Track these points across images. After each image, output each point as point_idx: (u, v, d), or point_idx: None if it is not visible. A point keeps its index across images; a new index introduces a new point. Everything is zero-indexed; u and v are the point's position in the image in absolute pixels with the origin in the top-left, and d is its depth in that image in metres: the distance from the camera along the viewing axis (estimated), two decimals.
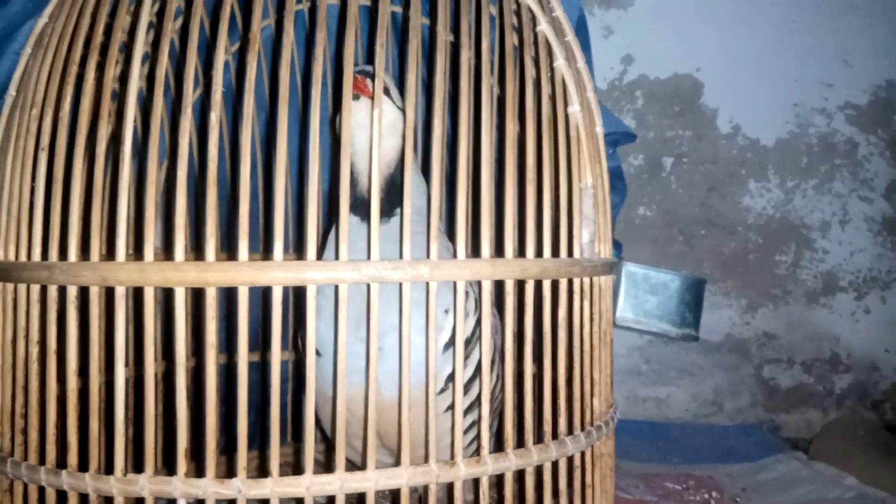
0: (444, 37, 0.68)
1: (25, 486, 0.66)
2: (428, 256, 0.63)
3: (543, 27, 0.79)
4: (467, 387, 0.78)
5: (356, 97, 0.81)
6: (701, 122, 1.70)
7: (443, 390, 0.78)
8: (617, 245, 1.27)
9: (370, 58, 1.09)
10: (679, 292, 0.98)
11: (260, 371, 1.13)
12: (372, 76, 0.84)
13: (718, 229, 1.71)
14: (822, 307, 1.72)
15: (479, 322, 0.83)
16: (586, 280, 0.76)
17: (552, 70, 0.79)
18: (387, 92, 0.86)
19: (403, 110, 0.87)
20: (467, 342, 0.79)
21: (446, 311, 0.79)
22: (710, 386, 1.72)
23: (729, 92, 1.68)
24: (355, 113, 0.81)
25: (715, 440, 1.61)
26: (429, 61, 1.11)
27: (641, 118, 1.69)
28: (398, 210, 0.81)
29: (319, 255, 0.84)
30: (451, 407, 0.65)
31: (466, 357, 0.79)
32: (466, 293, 0.83)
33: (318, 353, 0.80)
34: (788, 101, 1.69)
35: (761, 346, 1.72)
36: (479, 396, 0.66)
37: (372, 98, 0.68)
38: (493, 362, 0.85)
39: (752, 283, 1.71)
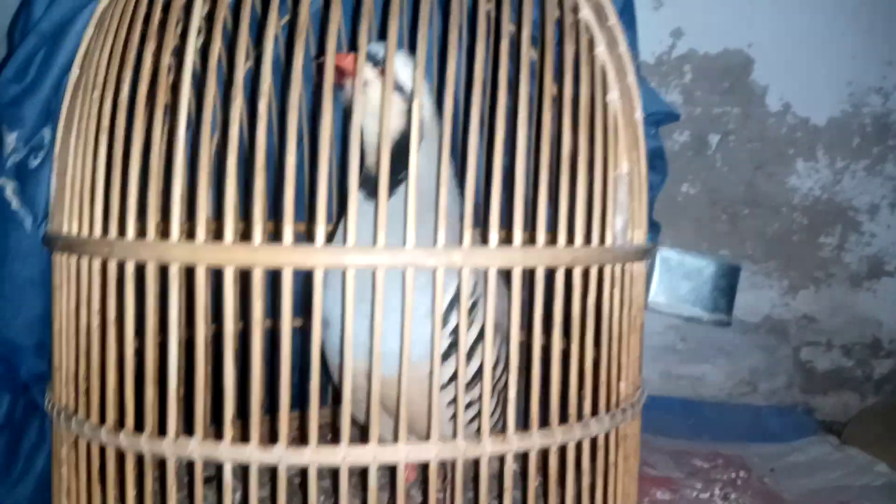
0: (483, 28, 0.70)
1: (89, 443, 0.72)
2: (461, 243, 0.66)
3: (585, 13, 0.79)
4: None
5: (339, 87, 0.83)
6: (750, 100, 1.66)
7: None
8: (655, 226, 1.27)
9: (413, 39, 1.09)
10: (713, 278, 0.99)
11: (300, 334, 1.18)
12: (378, 60, 0.84)
13: (763, 209, 1.69)
14: (866, 291, 1.69)
15: (474, 305, 0.83)
16: (618, 267, 0.78)
17: (592, 57, 0.79)
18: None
19: (403, 88, 0.84)
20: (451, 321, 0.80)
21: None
22: (746, 366, 1.72)
23: (781, 69, 1.64)
24: (342, 94, 0.84)
25: (748, 420, 1.61)
26: (470, 46, 1.11)
27: (689, 94, 1.66)
28: (399, 188, 0.83)
29: (332, 234, 0.87)
30: (449, 383, 0.67)
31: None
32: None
33: (325, 324, 0.84)
34: (843, 79, 1.64)
35: (801, 328, 1.71)
36: (478, 375, 0.68)
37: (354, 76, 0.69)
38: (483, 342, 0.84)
39: (795, 264, 1.69)
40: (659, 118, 1.20)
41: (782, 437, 1.52)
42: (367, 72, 0.82)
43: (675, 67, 1.65)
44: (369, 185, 0.83)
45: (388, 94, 0.65)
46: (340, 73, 0.82)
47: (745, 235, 1.69)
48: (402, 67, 0.83)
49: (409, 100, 0.83)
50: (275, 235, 1.14)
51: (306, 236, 1.20)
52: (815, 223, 1.68)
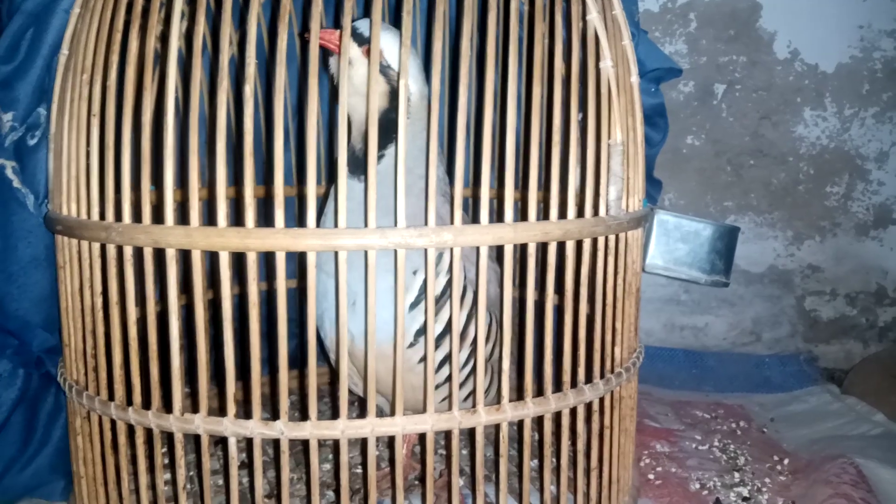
0: (470, 2, 0.68)
1: (100, 416, 0.75)
2: (452, 223, 0.66)
3: None
4: (438, 342, 0.80)
5: (331, 53, 0.83)
6: (757, 47, 1.62)
7: (412, 345, 0.82)
8: (657, 183, 1.27)
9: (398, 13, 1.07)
10: (710, 240, 0.99)
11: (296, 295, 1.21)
12: (364, 38, 0.82)
13: (769, 159, 1.67)
14: (872, 240, 1.68)
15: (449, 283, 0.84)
16: (611, 237, 0.78)
17: (584, 24, 0.78)
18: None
19: (389, 66, 0.83)
20: (437, 300, 0.80)
21: (415, 273, 0.80)
22: (749, 316, 1.73)
23: (789, 14, 1.59)
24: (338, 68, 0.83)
25: (750, 369, 1.63)
26: (456, 22, 1.09)
27: (694, 43, 1.63)
28: (383, 155, 0.83)
29: (320, 215, 0.88)
30: (424, 359, 0.69)
31: (437, 314, 0.80)
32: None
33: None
34: (853, 23, 1.60)
35: (805, 277, 1.71)
36: (473, 350, 0.70)
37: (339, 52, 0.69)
38: (470, 316, 0.85)
39: (800, 214, 1.68)
40: (660, 74, 1.18)
41: (784, 387, 1.54)
42: (353, 50, 0.81)
43: (680, 16, 1.61)
44: (354, 161, 0.83)
45: (373, 74, 0.64)
46: (326, 48, 0.81)
47: (750, 186, 1.68)
48: (388, 45, 0.82)
49: (395, 79, 0.82)
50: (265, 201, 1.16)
51: (296, 200, 1.23)
52: (822, 172, 1.66)
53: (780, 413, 1.41)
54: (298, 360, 1.25)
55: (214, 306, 1.03)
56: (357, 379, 0.88)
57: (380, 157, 0.82)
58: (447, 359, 0.77)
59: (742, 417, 1.38)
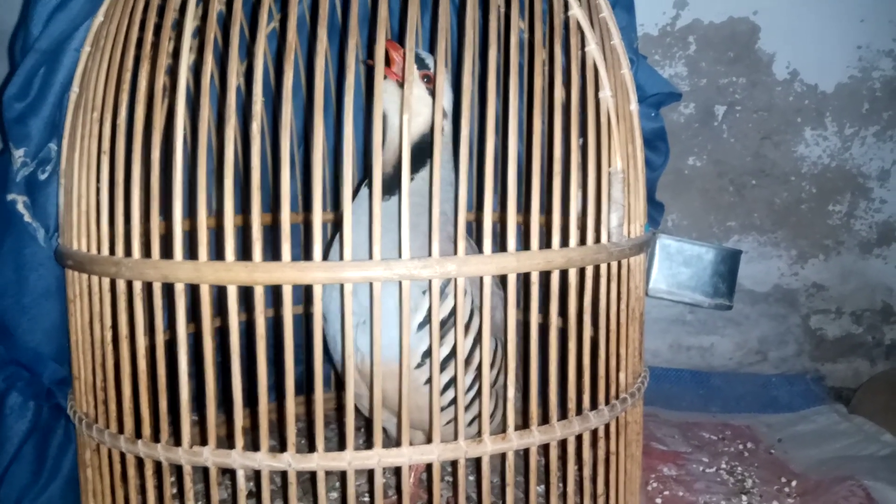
0: (471, 35, 0.70)
1: (110, 449, 0.76)
2: (455, 253, 0.67)
3: (575, 11, 0.79)
4: (444, 365, 0.81)
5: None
6: (757, 68, 1.64)
7: (419, 365, 0.83)
8: (659, 206, 1.27)
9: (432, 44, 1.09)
10: (713, 264, 1.00)
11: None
12: (423, 62, 0.86)
13: (771, 179, 1.68)
14: (876, 258, 1.69)
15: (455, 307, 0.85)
16: (613, 264, 0.79)
17: (583, 53, 0.79)
18: (428, 79, 0.88)
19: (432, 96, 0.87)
20: (443, 323, 0.81)
21: (423, 292, 0.82)
22: (755, 335, 1.73)
23: (788, 35, 1.61)
24: (384, 90, 0.86)
25: (757, 389, 1.63)
26: (457, 57, 1.11)
27: (694, 65, 1.64)
28: (397, 191, 0.85)
29: (331, 240, 0.90)
30: (430, 381, 0.70)
31: (443, 337, 0.81)
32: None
33: (325, 319, 0.87)
34: (852, 44, 1.61)
35: (810, 296, 1.71)
36: (478, 375, 0.71)
37: (401, 81, 0.71)
38: (475, 341, 0.86)
39: (804, 233, 1.69)
40: (660, 99, 1.19)
41: (791, 407, 1.54)
42: (414, 69, 0.84)
43: (680, 39, 1.63)
44: (386, 182, 0.85)
45: (438, 103, 0.67)
46: (389, 59, 0.84)
47: (753, 206, 1.69)
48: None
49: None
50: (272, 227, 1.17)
51: (302, 227, 1.24)
52: (824, 191, 1.67)
53: (788, 433, 1.41)
54: (304, 386, 1.26)
55: (221, 332, 1.04)
56: (367, 399, 0.89)
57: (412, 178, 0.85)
58: (452, 381, 0.77)
59: (749, 438, 1.37)
